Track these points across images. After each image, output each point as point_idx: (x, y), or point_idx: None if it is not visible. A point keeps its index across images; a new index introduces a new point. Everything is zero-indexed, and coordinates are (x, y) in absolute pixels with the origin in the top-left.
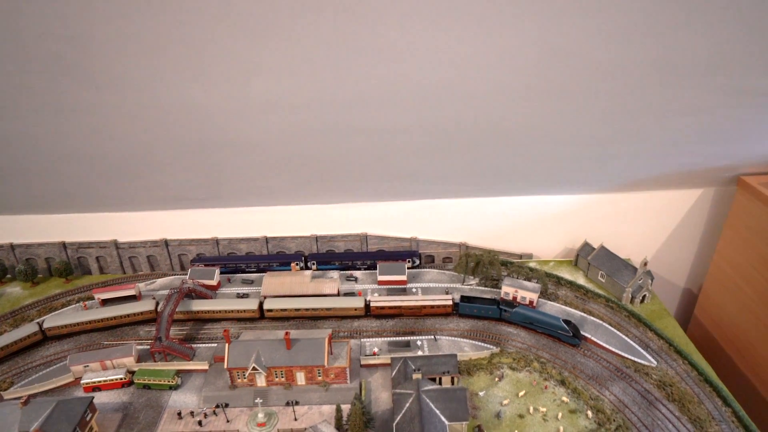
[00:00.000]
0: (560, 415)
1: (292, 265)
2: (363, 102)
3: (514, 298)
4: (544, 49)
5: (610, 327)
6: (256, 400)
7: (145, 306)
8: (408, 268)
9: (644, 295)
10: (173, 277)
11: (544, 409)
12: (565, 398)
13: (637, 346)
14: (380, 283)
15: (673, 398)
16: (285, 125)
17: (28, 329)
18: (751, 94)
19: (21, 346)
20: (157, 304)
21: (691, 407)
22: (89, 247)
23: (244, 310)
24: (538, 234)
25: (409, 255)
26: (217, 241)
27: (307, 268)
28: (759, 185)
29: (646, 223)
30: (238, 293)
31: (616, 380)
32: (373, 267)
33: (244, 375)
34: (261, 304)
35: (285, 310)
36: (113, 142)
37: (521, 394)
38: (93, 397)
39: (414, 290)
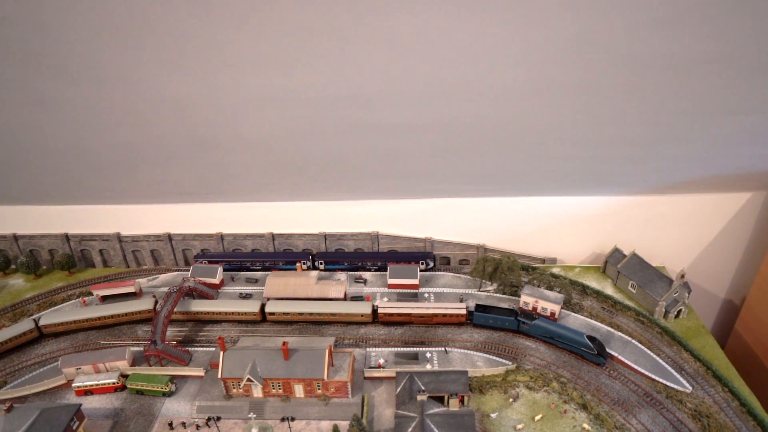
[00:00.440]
0: None
1: (298, 265)
2: (375, 98)
3: (534, 309)
4: (576, 42)
5: (639, 345)
6: (249, 415)
7: (143, 305)
8: (421, 271)
9: (680, 310)
10: (176, 273)
11: None
12: (586, 425)
13: (669, 368)
14: (390, 286)
15: None
16: (290, 121)
17: (24, 326)
18: None
19: (17, 343)
20: (156, 302)
21: None
22: (92, 240)
23: (245, 313)
24: (564, 237)
25: (422, 257)
26: (221, 237)
27: (315, 267)
28: None
29: (684, 229)
30: (240, 293)
31: (644, 407)
32: (383, 268)
33: (239, 385)
34: (263, 307)
35: (288, 314)
36: (111, 136)
37: (537, 418)
38: (80, 405)
39: (426, 296)
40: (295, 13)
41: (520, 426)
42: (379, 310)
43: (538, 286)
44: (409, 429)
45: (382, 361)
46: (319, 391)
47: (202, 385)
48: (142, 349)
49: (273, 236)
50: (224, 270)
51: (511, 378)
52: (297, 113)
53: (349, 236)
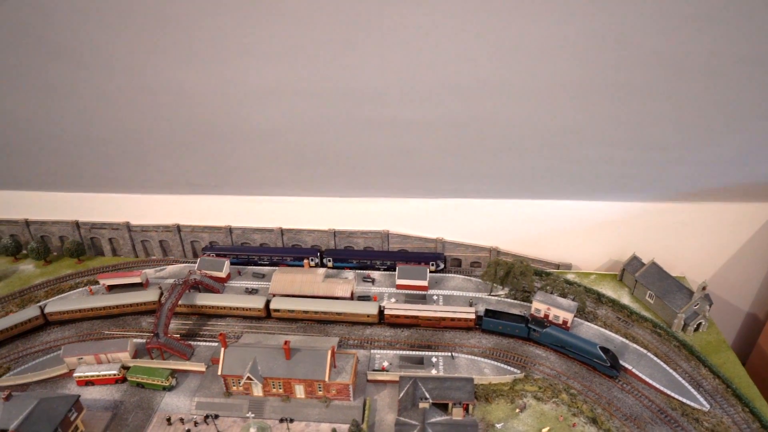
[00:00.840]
0: None
1: (305, 261)
2: (389, 93)
3: (546, 317)
4: (601, 39)
5: (655, 358)
6: (248, 414)
7: (148, 296)
8: (431, 272)
9: (700, 323)
10: (184, 264)
11: None
12: None
13: (687, 385)
14: (398, 287)
15: None
16: (302, 114)
17: (30, 313)
18: None
19: (22, 329)
20: (162, 294)
21: None
22: (102, 228)
23: (250, 309)
24: (580, 243)
25: (433, 258)
26: (230, 230)
27: (323, 264)
28: None
29: (708, 239)
30: (247, 288)
31: (658, 424)
32: (392, 268)
33: (239, 383)
34: (268, 303)
35: (293, 311)
36: (122, 125)
37: (545, 430)
38: (79, 396)
39: (435, 298)
40: (309, 5)
41: None
42: (386, 311)
43: (551, 293)
44: None
45: (386, 364)
46: (320, 392)
47: (202, 381)
48: (144, 341)
49: (282, 231)
50: (232, 264)
51: (518, 387)
52: (310, 106)
53: (359, 234)
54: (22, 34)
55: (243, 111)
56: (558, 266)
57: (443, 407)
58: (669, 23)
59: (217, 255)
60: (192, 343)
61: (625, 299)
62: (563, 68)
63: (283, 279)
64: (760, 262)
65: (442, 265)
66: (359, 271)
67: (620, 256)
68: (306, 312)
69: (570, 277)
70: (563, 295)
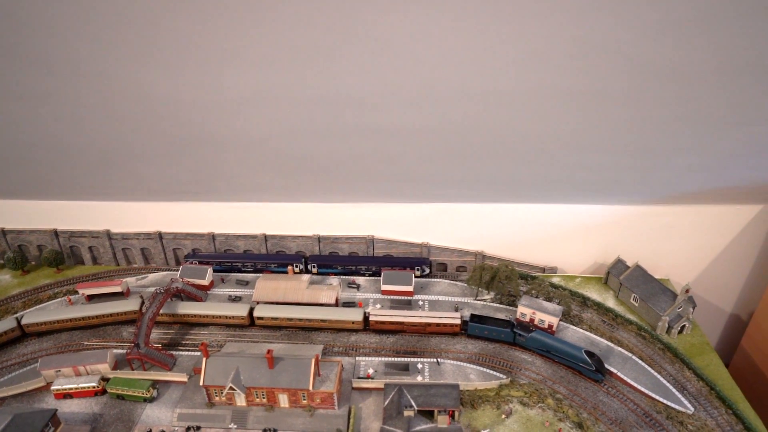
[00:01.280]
0: None
1: (289, 268)
2: (372, 99)
3: (532, 321)
4: (582, 45)
5: (640, 361)
6: (230, 426)
7: (129, 305)
8: (417, 277)
9: (683, 326)
10: (166, 272)
11: None
12: None
13: (671, 387)
14: (384, 293)
15: None
16: (285, 121)
17: (6, 325)
18: None
19: None
20: (143, 303)
21: None
22: (82, 236)
23: (233, 317)
24: (565, 246)
25: (418, 263)
26: (213, 237)
27: (308, 270)
28: None
29: (691, 241)
30: (230, 295)
31: (643, 427)
32: (378, 273)
33: (221, 393)
34: (251, 311)
35: (276, 318)
36: (101, 132)
37: None
38: (56, 410)
39: (420, 303)
40: (291, 12)
41: None
42: (371, 318)
43: (537, 297)
44: None
45: (371, 371)
46: (305, 401)
47: (184, 392)
48: (125, 351)
49: (266, 237)
50: (215, 271)
51: (504, 393)
52: (292, 113)
53: (344, 239)
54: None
55: (225, 118)
56: (543, 270)
57: (429, 414)
58: (651, 31)
59: (200, 262)
60: (174, 352)
61: (610, 302)
62: (547, 74)
63: (266, 286)
64: (743, 263)
65: (427, 270)
66: (344, 277)
67: (605, 259)
68: (290, 319)
69: (555, 280)
70: (549, 299)
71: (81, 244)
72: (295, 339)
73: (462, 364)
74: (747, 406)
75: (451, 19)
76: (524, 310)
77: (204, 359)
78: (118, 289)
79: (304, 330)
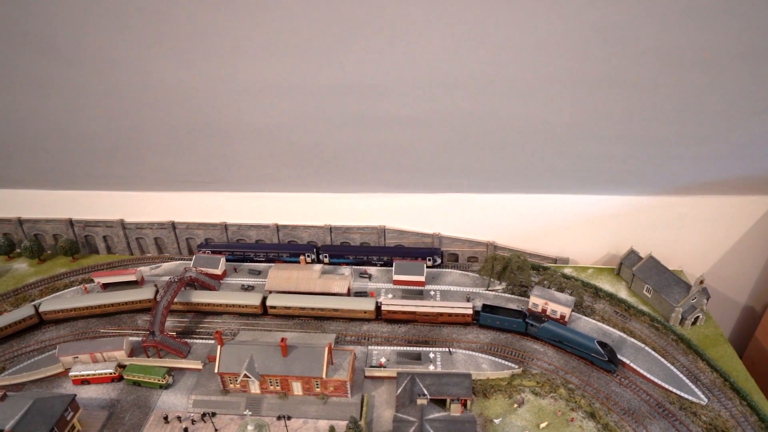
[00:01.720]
0: None
1: (301, 258)
2: (385, 89)
3: (543, 311)
4: (597, 33)
5: (653, 352)
6: (245, 412)
7: (144, 294)
8: (428, 267)
9: (697, 317)
10: (179, 261)
11: None
12: None
13: (684, 378)
14: (396, 282)
15: None
16: (297, 110)
17: (24, 312)
18: None
19: (16, 329)
20: (157, 292)
21: None
22: (96, 226)
23: (246, 306)
24: (578, 237)
25: (430, 253)
26: (225, 227)
27: (319, 260)
28: None
29: (705, 232)
30: (243, 285)
31: (656, 418)
32: (389, 264)
33: (236, 381)
34: (264, 300)
35: (289, 308)
36: (116, 122)
37: (543, 425)
38: (74, 396)
39: (432, 293)
40: (303, 1)
41: None
42: (383, 307)
43: (549, 287)
44: None
45: (383, 360)
46: (318, 389)
47: (199, 379)
48: (140, 339)
49: (278, 227)
50: (227, 260)
51: (516, 382)
52: (304, 102)
53: (355, 230)
54: (13, 30)
55: (237, 107)
56: (555, 260)
57: (441, 403)
58: (667, 16)
59: (213, 252)
60: (188, 340)
61: (623, 293)
62: (559, 62)
63: (279, 275)
64: (757, 255)
65: (438, 261)
66: (356, 267)
67: (617, 250)
68: (303, 308)
69: (567, 271)
70: (560, 290)
71: (95, 233)
72: (308, 328)
73: (474, 353)
74: (761, 398)
75: (463, 7)
76: (536, 301)
77: (219, 347)
78: (132, 277)
79: (317, 319)
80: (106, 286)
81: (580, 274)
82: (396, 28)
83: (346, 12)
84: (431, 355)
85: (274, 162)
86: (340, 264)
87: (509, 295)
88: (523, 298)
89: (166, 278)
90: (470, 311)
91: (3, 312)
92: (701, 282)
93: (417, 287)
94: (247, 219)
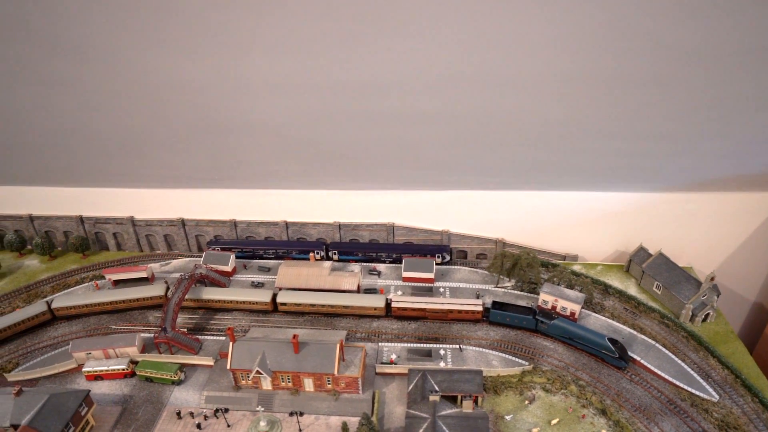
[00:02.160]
0: None
1: (311, 255)
2: (393, 85)
3: (553, 308)
4: (605, 29)
5: (663, 349)
6: (257, 408)
7: (155, 290)
8: (437, 264)
9: (708, 314)
10: (189, 258)
11: None
12: (604, 431)
13: (695, 375)
14: (405, 279)
15: None
16: (305, 107)
17: (37, 308)
18: None
19: (29, 325)
20: (168, 288)
21: None
22: (106, 223)
23: (257, 302)
24: (587, 234)
25: (439, 250)
26: (235, 224)
27: (328, 257)
28: None
29: (715, 228)
30: (253, 281)
31: (668, 415)
32: (398, 260)
33: (248, 377)
34: (274, 297)
35: (299, 304)
36: (126, 119)
37: (554, 422)
38: (89, 391)
39: (441, 290)
40: None
41: (535, 430)
42: (393, 304)
43: (558, 284)
44: (420, 430)
45: (394, 356)
46: (329, 385)
47: (211, 375)
48: (152, 335)
49: (287, 224)
50: (237, 257)
51: (527, 379)
52: (313, 99)
53: (364, 227)
54: (22, 28)
55: (246, 105)
56: (564, 257)
57: (452, 400)
58: (673, 11)
59: (222, 249)
60: (199, 337)
61: (632, 290)
62: (567, 58)
63: (289, 272)
64: (767, 251)
65: (447, 257)
66: (365, 263)
67: (627, 246)
68: (313, 305)
69: (576, 268)
70: (570, 287)
71: (105, 230)
72: (318, 325)
73: (484, 350)
74: None
75: (472, 4)
76: (546, 298)
77: (231, 343)
78: (143, 274)
79: (327, 316)
80: (117, 283)
81: (590, 271)
82: (405, 24)
83: (355, 8)
84: (441, 352)
85: (283, 159)
86: (349, 261)
87: (519, 292)
88: (532, 295)
89: (176, 275)
90: (480, 308)
91: (16, 308)
92: (712, 279)
93: (426, 284)
94: (257, 216)
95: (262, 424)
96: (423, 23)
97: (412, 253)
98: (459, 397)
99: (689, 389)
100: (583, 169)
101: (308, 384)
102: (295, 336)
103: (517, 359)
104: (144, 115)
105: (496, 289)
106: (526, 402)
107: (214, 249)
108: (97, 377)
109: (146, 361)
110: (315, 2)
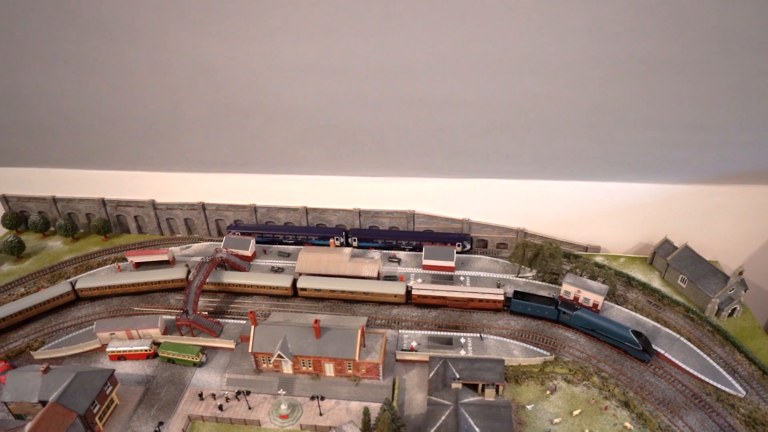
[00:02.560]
0: None
1: (331, 241)
2: (420, 70)
3: (576, 299)
4: (636, 16)
5: (689, 343)
6: (279, 392)
7: (176, 273)
8: (457, 253)
9: (734, 308)
10: (209, 242)
11: None
12: (628, 424)
13: (721, 370)
14: (425, 267)
15: None
16: (330, 91)
17: (61, 289)
18: None
19: (54, 305)
20: (189, 271)
21: None
22: (128, 206)
23: (277, 287)
24: (610, 225)
25: (459, 238)
26: (255, 209)
27: (348, 244)
28: None
29: (742, 222)
30: (273, 267)
31: (692, 409)
32: (418, 248)
33: (269, 360)
34: (295, 282)
35: (320, 290)
36: (151, 102)
37: (576, 412)
38: (114, 370)
39: (462, 279)
40: None
41: (557, 420)
42: (413, 292)
43: (581, 275)
44: (443, 417)
45: (414, 344)
46: (350, 371)
47: (232, 358)
48: (174, 317)
49: (306, 210)
50: (256, 242)
51: (548, 369)
52: (338, 83)
53: (385, 214)
54: (60, 8)
55: (272, 88)
56: (586, 249)
57: (472, 388)
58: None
59: (242, 233)
60: (220, 320)
61: (656, 283)
62: (598, 45)
63: (309, 258)
64: None
65: (468, 246)
66: (384, 251)
67: (650, 239)
68: (333, 291)
69: (598, 260)
70: (593, 278)
71: (127, 213)
72: (337, 311)
73: (505, 339)
74: None
75: None
76: (569, 288)
77: (252, 327)
78: (165, 257)
79: (346, 302)
80: (139, 265)
81: (612, 262)
82: (436, 8)
83: None
84: (462, 340)
85: (308, 144)
86: (368, 248)
87: (540, 283)
88: (553, 286)
89: (196, 259)
90: (502, 297)
91: (40, 288)
92: (740, 273)
93: (447, 272)
94: (277, 201)
95: (284, 407)
96: (454, 7)
97: (432, 241)
98: (480, 386)
99: (715, 384)
100: (609, 159)
101: (329, 369)
102: (317, 321)
103: (538, 349)
104: (174, 97)
105: (517, 278)
106: (548, 392)
107: (234, 233)
108: (120, 357)
109: (168, 343)
110: None
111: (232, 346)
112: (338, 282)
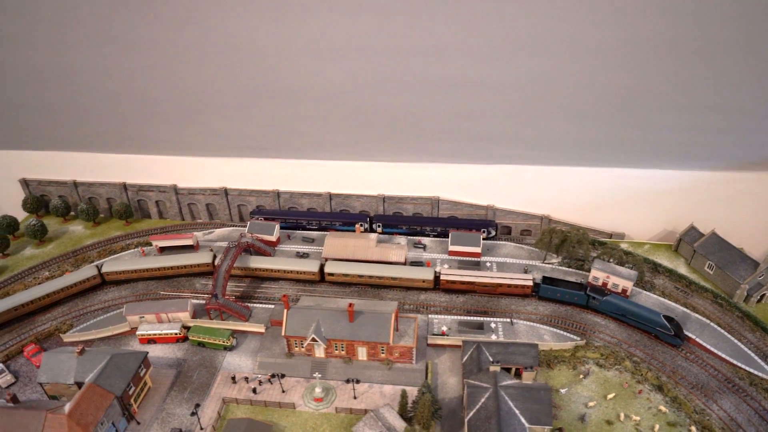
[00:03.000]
0: (657, 427)
1: (357, 226)
2: (453, 50)
3: (605, 285)
4: None
5: (719, 328)
6: (315, 375)
7: (202, 258)
8: (482, 239)
9: (763, 294)
10: (232, 228)
11: (638, 418)
12: (662, 407)
13: (753, 355)
14: (451, 253)
15: None
16: (360, 73)
17: (88, 272)
18: None
19: (80, 288)
20: (215, 256)
21: None
22: (149, 191)
23: (304, 272)
24: (635, 211)
25: (483, 225)
26: (278, 194)
27: (372, 230)
28: None
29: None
30: (298, 252)
31: (726, 393)
32: (443, 234)
33: (302, 344)
34: (322, 267)
35: (347, 275)
36: (179, 82)
37: (610, 396)
38: (147, 353)
39: (488, 264)
40: None
41: (591, 404)
42: (442, 277)
43: (609, 261)
44: (482, 399)
45: (445, 328)
46: (383, 355)
47: (262, 342)
48: (202, 302)
49: (330, 196)
50: (280, 228)
51: (580, 354)
52: (367, 65)
53: (409, 200)
54: None
55: (306, 68)
56: (611, 235)
57: (506, 371)
58: None
59: (266, 219)
60: (248, 305)
61: (682, 269)
62: (631, 26)
63: (335, 243)
64: None
65: (492, 233)
66: (409, 237)
67: (675, 226)
68: (361, 276)
69: (623, 246)
70: (621, 264)
71: (148, 198)
72: (365, 295)
73: (535, 324)
74: None
75: None
76: (597, 274)
77: (285, 311)
78: (189, 242)
79: (373, 287)
80: (163, 250)
81: (637, 249)
82: None
83: None
84: (492, 325)
85: (336, 128)
86: (393, 234)
87: (566, 269)
88: (579, 272)
89: (219, 244)
90: (530, 283)
91: (65, 272)
92: None
93: (473, 258)
94: (300, 187)
95: (318, 390)
96: None
97: (457, 227)
98: (513, 369)
99: (747, 368)
100: (636, 145)
101: (362, 353)
102: (351, 305)
103: (568, 334)
104: (203, 78)
105: (543, 264)
106: (581, 376)
107: (257, 219)
108: (150, 340)
109: (198, 327)
110: None
111: (263, 330)
112: (366, 267)
